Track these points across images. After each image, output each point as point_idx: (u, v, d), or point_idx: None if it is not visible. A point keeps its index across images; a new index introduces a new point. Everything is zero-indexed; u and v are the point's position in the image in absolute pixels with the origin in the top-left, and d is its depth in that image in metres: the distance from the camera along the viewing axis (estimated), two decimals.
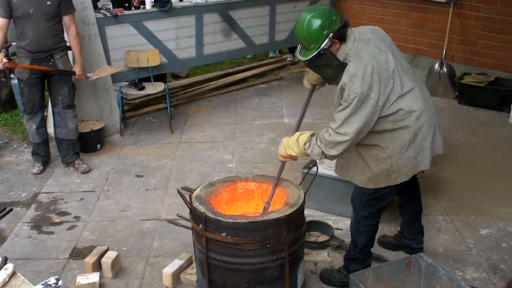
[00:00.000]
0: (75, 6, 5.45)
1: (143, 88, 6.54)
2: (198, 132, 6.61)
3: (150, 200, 5.07)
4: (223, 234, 3.21)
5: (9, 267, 2.65)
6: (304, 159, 3.94)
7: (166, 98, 6.78)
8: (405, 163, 3.32)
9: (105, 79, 6.28)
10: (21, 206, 5.00)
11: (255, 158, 5.87)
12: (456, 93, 7.38)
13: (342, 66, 3.16)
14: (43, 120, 5.61)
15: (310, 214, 4.54)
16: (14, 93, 6.81)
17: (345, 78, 3.12)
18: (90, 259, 3.99)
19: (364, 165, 3.40)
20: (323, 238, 4.31)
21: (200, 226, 3.29)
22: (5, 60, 5.12)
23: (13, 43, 5.38)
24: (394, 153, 3.28)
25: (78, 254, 4.26)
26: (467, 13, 7.48)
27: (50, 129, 5.93)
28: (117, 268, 4.02)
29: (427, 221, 4.44)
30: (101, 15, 6.30)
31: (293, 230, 3.31)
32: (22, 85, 5.37)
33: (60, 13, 5.22)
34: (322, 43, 3.13)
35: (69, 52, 5.56)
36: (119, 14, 6.41)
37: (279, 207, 3.36)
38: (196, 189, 3.58)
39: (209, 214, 3.25)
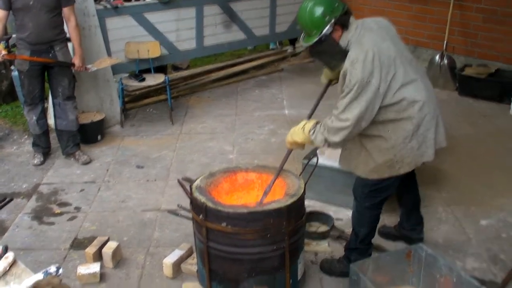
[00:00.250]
0: None
1: (143, 79, 6.54)
2: (198, 123, 6.61)
3: (151, 191, 5.07)
4: (224, 224, 3.22)
5: (10, 255, 2.65)
6: (306, 150, 3.93)
7: (167, 89, 6.78)
8: (408, 153, 3.32)
9: (105, 70, 6.28)
10: (22, 197, 5.01)
11: (255, 149, 5.88)
12: (457, 84, 7.37)
13: (344, 53, 3.18)
14: (44, 111, 5.61)
15: (311, 204, 4.54)
16: (15, 84, 6.80)
17: (346, 64, 3.14)
18: (91, 249, 4.00)
19: (367, 155, 3.40)
20: (323, 228, 4.32)
21: (201, 216, 3.30)
22: (4, 52, 5.12)
23: (13, 35, 5.38)
24: (397, 143, 3.29)
25: (79, 244, 4.27)
26: (467, 5, 7.46)
27: (51, 121, 5.93)
28: (118, 258, 4.03)
29: (428, 212, 4.44)
30: (101, 7, 6.30)
31: (293, 220, 3.32)
32: (22, 76, 5.36)
33: (60, 4, 5.21)
34: (324, 29, 3.16)
35: (69, 44, 5.56)
36: (119, 5, 6.41)
37: (280, 197, 3.36)
38: (196, 179, 3.59)
39: (210, 204, 3.26)
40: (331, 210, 4.56)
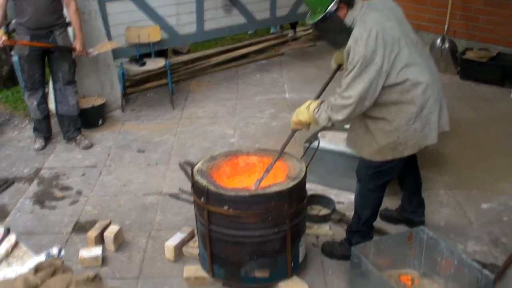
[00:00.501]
0: None
1: (144, 64, 6.52)
2: (199, 108, 6.60)
3: (152, 175, 5.08)
4: (225, 207, 3.22)
5: (12, 237, 2.66)
6: (307, 133, 3.93)
7: (167, 74, 6.75)
8: (412, 135, 3.32)
9: (106, 55, 6.26)
10: (23, 181, 5.01)
11: (256, 133, 5.87)
12: (458, 68, 7.34)
13: (349, 31, 3.18)
14: (44, 96, 5.59)
15: (312, 188, 4.54)
16: (15, 70, 6.77)
17: (350, 41, 3.15)
18: (93, 233, 4.01)
19: (371, 137, 3.41)
20: (324, 211, 4.32)
21: (202, 199, 3.30)
22: (4, 37, 5.09)
23: (13, 21, 5.36)
24: (401, 125, 3.29)
25: (80, 228, 4.28)
26: None
27: (52, 105, 5.92)
28: (120, 241, 4.04)
29: (429, 196, 4.44)
30: None
31: (295, 203, 3.33)
32: (22, 62, 5.34)
33: None
34: (329, 6, 3.18)
35: (69, 29, 5.53)
36: None
37: (281, 180, 3.36)
38: (197, 163, 3.58)
39: (211, 187, 3.26)
40: (333, 193, 4.56)
